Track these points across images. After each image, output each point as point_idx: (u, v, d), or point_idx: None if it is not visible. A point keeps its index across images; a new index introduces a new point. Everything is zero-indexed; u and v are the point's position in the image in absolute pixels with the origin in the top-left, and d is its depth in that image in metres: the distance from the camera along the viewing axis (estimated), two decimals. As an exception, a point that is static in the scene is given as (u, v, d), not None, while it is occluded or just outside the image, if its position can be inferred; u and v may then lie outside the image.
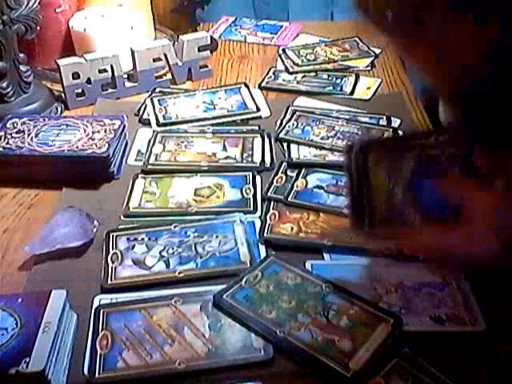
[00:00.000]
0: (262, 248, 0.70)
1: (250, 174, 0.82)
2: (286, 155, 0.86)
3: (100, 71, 1.01)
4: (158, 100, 0.99)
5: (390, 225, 0.58)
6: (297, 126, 0.92)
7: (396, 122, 0.93)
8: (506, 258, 0.52)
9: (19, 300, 0.59)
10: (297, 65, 1.12)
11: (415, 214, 0.57)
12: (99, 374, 0.55)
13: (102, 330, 0.59)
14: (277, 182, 0.80)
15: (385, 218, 0.58)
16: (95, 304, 0.63)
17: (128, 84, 1.05)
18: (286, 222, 0.73)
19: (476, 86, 0.48)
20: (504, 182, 0.54)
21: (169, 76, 1.08)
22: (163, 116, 0.95)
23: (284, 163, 0.84)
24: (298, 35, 1.26)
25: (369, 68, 1.12)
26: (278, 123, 0.94)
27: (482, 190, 0.54)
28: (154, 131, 0.92)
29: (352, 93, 1.03)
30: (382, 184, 0.58)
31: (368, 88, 1.04)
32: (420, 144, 0.58)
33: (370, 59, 1.14)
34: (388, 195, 0.58)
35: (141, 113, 0.97)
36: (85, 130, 0.86)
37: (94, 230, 0.72)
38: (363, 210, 0.58)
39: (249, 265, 0.67)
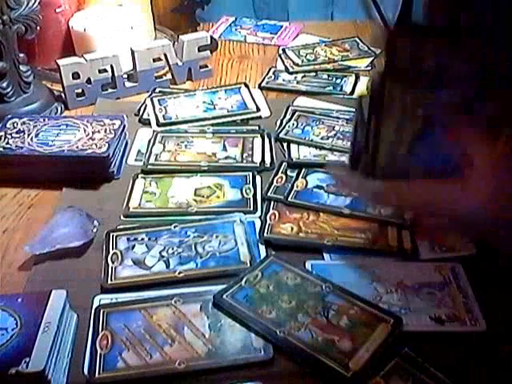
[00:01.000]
0: (262, 248, 0.70)
1: (250, 173, 0.82)
2: (286, 155, 0.86)
3: (100, 71, 1.01)
4: (158, 100, 0.99)
5: (388, 175, 0.58)
6: (297, 126, 0.92)
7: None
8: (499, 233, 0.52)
9: (19, 300, 0.59)
10: (297, 65, 1.12)
11: (417, 169, 0.56)
12: (99, 373, 0.55)
13: (102, 330, 0.59)
14: (277, 182, 0.80)
15: (384, 167, 0.57)
16: (95, 304, 0.63)
17: (128, 84, 1.05)
18: (286, 221, 0.73)
19: None
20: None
21: (169, 76, 1.08)
22: (163, 116, 0.95)
23: (284, 163, 0.84)
24: (298, 35, 1.26)
25: (369, 68, 1.11)
26: (278, 123, 0.93)
27: (488, 144, 0.53)
28: (154, 131, 0.92)
29: (352, 93, 1.03)
30: (390, 133, 0.57)
31: (368, 88, 1.04)
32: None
33: (370, 59, 1.14)
34: (393, 146, 0.57)
35: (141, 113, 0.97)
36: (85, 130, 0.86)
37: (94, 230, 0.72)
38: (364, 154, 0.57)
39: (249, 265, 0.67)
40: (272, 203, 0.76)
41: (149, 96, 1.02)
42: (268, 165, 0.84)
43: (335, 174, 0.72)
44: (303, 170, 0.82)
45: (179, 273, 0.66)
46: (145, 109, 0.98)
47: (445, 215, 0.56)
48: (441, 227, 0.64)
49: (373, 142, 0.57)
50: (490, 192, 0.51)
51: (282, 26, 1.31)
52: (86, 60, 1.00)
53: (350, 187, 0.70)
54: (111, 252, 0.69)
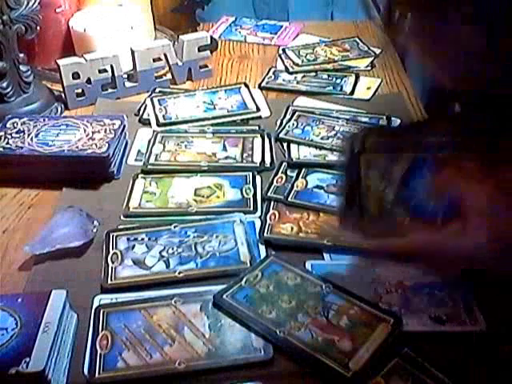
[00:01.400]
0: (262, 248, 0.70)
1: (250, 173, 0.82)
2: (286, 155, 0.86)
3: (100, 71, 1.01)
4: (158, 100, 0.99)
5: (380, 225, 0.58)
6: (297, 126, 0.92)
7: (396, 122, 0.92)
8: (498, 259, 0.51)
9: (19, 300, 0.59)
10: (297, 65, 1.12)
11: (406, 215, 0.57)
12: (99, 373, 0.55)
13: (102, 330, 0.59)
14: (277, 182, 0.80)
15: (374, 218, 0.58)
16: (95, 304, 0.63)
17: (128, 84, 1.05)
18: (286, 221, 0.73)
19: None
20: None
21: (169, 76, 1.09)
22: (163, 116, 0.95)
23: (284, 163, 0.84)
24: (298, 35, 1.26)
25: (369, 68, 1.12)
26: (278, 123, 0.94)
27: (480, 183, 0.53)
28: (154, 131, 0.92)
29: (352, 93, 1.03)
30: (375, 184, 0.57)
31: (368, 88, 1.04)
32: (415, 141, 0.57)
33: (370, 59, 1.14)
34: (379, 196, 0.57)
35: (141, 113, 0.97)
36: (85, 130, 0.86)
37: (94, 230, 0.72)
38: (353, 209, 0.58)
39: (249, 265, 0.67)
40: (272, 203, 0.76)
41: (149, 96, 1.02)
42: (268, 165, 0.84)
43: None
44: (303, 170, 0.82)
45: (179, 273, 0.66)
46: (145, 109, 0.98)
47: (445, 259, 0.56)
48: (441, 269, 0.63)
49: (359, 196, 0.58)
50: (488, 233, 0.50)
51: (281, 26, 1.31)
52: (85, 60, 1.00)
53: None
54: (111, 252, 0.69)
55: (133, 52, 1.03)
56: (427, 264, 0.60)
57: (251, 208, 0.76)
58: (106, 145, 0.82)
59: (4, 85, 0.94)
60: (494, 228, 0.50)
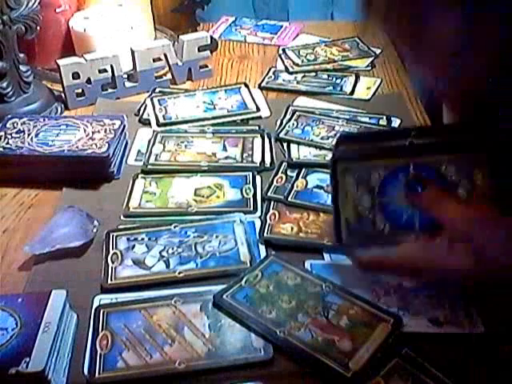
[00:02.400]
0: (262, 248, 0.70)
1: (250, 174, 0.82)
2: (286, 155, 0.86)
3: (100, 71, 1.01)
4: (158, 100, 0.99)
5: (360, 235, 0.59)
6: (297, 126, 0.92)
7: (396, 122, 0.93)
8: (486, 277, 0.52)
9: (19, 300, 0.59)
10: (297, 65, 1.12)
11: (384, 221, 0.58)
12: (99, 373, 0.55)
13: (102, 330, 0.59)
14: (277, 182, 0.80)
15: (354, 227, 0.58)
16: (95, 304, 0.63)
17: (128, 84, 1.06)
18: (286, 221, 0.73)
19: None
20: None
21: (169, 76, 1.09)
22: (163, 116, 0.95)
23: (284, 163, 0.84)
24: (298, 35, 1.26)
25: (369, 68, 1.12)
26: (278, 123, 0.94)
27: (460, 204, 0.54)
28: (154, 131, 0.92)
29: (352, 93, 1.03)
30: (351, 191, 0.58)
31: (368, 88, 1.04)
32: (393, 149, 0.58)
33: (370, 59, 1.14)
34: (356, 203, 0.58)
35: (141, 113, 0.97)
36: (85, 130, 0.86)
37: (94, 230, 0.72)
38: (337, 222, 0.59)
39: (249, 265, 0.67)
40: (272, 203, 0.76)
41: (149, 96, 1.02)
42: (268, 165, 0.84)
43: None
44: (303, 170, 0.82)
45: (179, 273, 0.66)
46: (145, 109, 0.98)
47: (433, 273, 0.56)
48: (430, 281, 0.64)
49: (336, 213, 0.59)
50: (474, 258, 0.51)
51: (281, 26, 1.31)
52: (85, 60, 1.00)
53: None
54: (111, 252, 0.69)
55: (133, 52, 1.03)
56: (415, 276, 0.60)
57: (251, 208, 0.76)
58: (106, 145, 0.82)
59: (4, 85, 0.94)
60: (481, 254, 0.50)
